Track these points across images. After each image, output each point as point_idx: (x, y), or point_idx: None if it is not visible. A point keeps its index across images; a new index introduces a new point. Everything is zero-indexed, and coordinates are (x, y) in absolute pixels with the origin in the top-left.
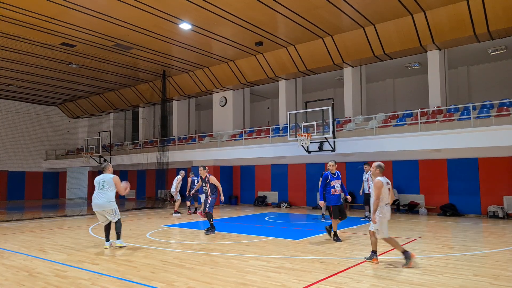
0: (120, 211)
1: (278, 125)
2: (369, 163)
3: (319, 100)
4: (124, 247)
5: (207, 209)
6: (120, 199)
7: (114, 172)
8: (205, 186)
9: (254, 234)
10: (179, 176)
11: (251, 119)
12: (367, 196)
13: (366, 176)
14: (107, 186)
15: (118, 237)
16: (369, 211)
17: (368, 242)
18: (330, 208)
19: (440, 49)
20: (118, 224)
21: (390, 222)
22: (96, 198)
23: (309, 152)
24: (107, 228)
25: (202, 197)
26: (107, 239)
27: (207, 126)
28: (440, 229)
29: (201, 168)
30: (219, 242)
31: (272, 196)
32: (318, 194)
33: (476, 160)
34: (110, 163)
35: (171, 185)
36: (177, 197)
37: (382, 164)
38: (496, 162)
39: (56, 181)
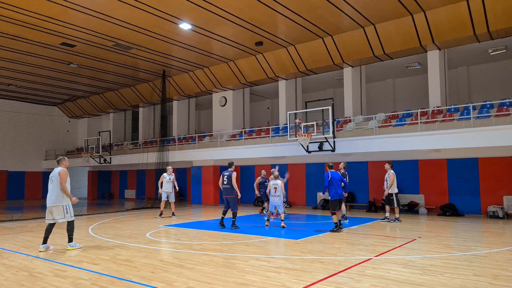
0: (119, 211)
1: (278, 125)
2: (390, 162)
3: (319, 100)
4: (79, 248)
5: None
6: (120, 198)
7: (114, 172)
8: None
9: (254, 234)
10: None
11: (251, 119)
12: (387, 197)
13: (385, 176)
14: (55, 181)
15: (70, 240)
16: (389, 211)
17: (368, 242)
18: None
19: (440, 49)
20: (70, 226)
21: (389, 222)
22: (48, 193)
23: (309, 152)
24: (49, 230)
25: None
26: (44, 242)
27: (207, 126)
28: (440, 229)
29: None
30: (219, 242)
31: None
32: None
33: (476, 160)
34: (110, 163)
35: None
36: (165, 196)
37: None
38: (496, 162)
39: None
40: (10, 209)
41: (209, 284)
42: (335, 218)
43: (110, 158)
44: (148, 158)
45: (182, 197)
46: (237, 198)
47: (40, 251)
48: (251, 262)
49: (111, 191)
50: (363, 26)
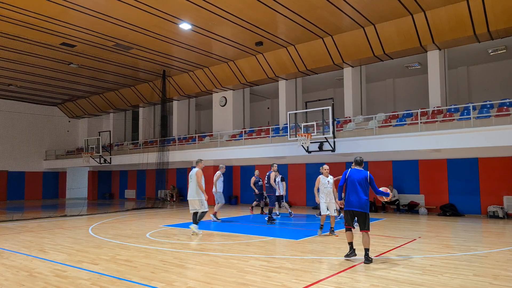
0: (120, 211)
1: (278, 125)
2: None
3: (319, 100)
4: (199, 235)
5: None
6: (120, 198)
7: (114, 172)
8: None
9: (254, 234)
10: (218, 172)
11: (251, 119)
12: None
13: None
14: (193, 180)
15: (196, 223)
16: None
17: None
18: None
19: (440, 49)
20: (202, 214)
21: (389, 222)
22: (189, 189)
23: (309, 152)
24: (194, 218)
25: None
26: (195, 223)
27: (207, 126)
28: (440, 229)
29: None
30: (219, 242)
31: None
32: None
33: (476, 160)
34: (110, 163)
35: (169, 185)
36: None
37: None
38: (496, 162)
39: (56, 181)
40: (10, 209)
41: (209, 284)
42: (349, 237)
43: (110, 158)
44: (148, 158)
45: (182, 197)
46: (275, 196)
47: (192, 233)
48: (251, 262)
49: (111, 191)
50: (363, 26)
